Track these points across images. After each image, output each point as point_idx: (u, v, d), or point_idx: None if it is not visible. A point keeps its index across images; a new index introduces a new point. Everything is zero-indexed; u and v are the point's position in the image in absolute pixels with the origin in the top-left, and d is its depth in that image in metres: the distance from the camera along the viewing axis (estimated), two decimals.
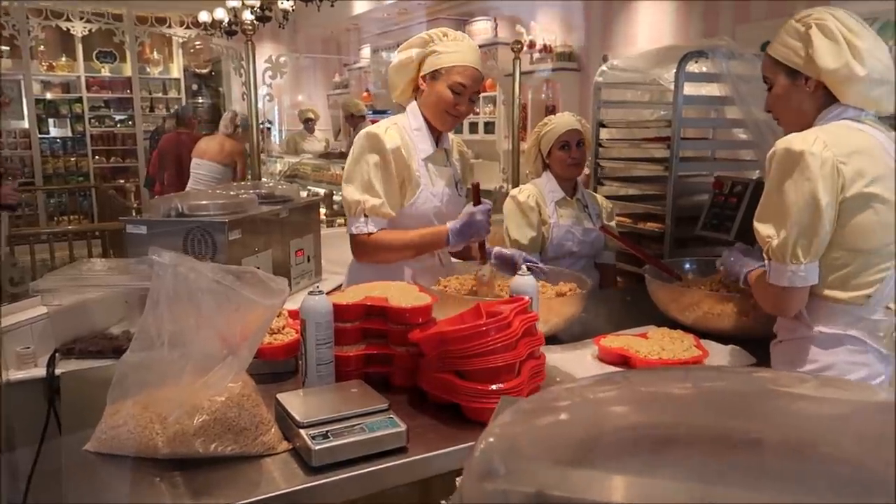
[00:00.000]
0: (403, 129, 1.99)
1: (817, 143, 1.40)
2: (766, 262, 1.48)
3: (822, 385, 0.81)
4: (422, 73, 1.97)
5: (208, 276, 1.17)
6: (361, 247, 1.98)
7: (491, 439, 0.52)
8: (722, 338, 1.82)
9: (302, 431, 1.18)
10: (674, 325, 1.89)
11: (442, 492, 2.34)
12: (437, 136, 2.05)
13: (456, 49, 1.94)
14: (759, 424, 0.58)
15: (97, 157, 9.31)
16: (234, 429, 1.16)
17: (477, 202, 1.92)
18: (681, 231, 2.80)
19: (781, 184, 1.42)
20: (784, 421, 0.60)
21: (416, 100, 2.04)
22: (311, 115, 7.55)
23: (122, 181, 8.38)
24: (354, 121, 6.97)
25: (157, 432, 1.14)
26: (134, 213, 6.59)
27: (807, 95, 1.51)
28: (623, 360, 1.65)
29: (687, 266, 2.12)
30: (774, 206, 1.45)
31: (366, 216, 1.93)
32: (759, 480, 0.47)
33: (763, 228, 1.48)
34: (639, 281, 2.74)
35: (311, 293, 1.42)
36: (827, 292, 1.48)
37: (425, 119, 2.01)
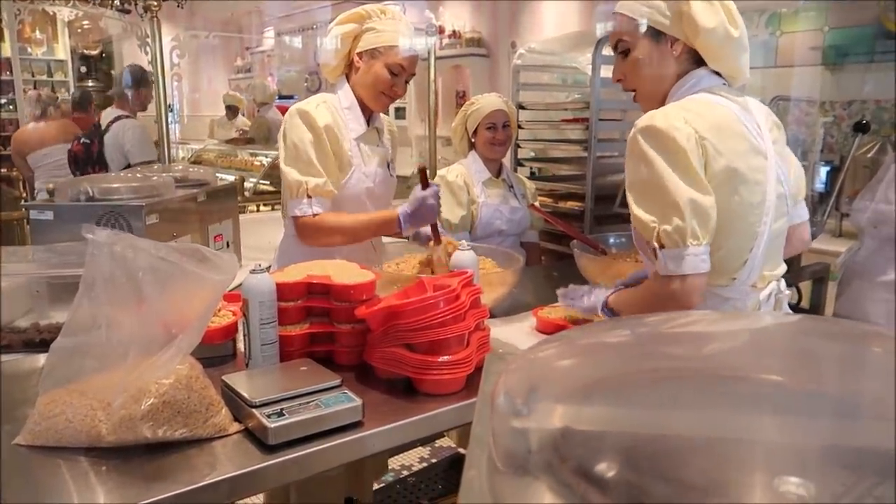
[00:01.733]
0: (334, 108, 1.93)
1: (678, 118, 1.33)
2: (656, 251, 1.33)
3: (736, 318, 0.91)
4: (358, 51, 1.91)
5: (151, 254, 1.11)
6: (307, 229, 1.88)
7: (507, 387, 0.53)
8: None
9: (255, 411, 1.14)
10: None
11: (372, 470, 2.35)
12: (368, 116, 2.00)
13: (395, 28, 1.90)
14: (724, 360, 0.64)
15: None
16: (183, 412, 1.11)
17: (425, 186, 1.87)
18: (599, 209, 2.91)
19: (654, 164, 1.32)
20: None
21: (346, 77, 1.98)
22: (237, 104, 7.26)
23: (4, 170, 7.75)
24: (260, 105, 6.77)
25: (100, 419, 1.08)
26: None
27: (671, 60, 1.43)
28: (562, 330, 1.70)
29: (612, 240, 2.20)
30: (654, 189, 1.33)
31: (309, 197, 1.85)
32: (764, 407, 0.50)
33: (644, 214, 1.34)
34: (560, 258, 2.83)
35: (253, 272, 1.37)
36: None
37: (357, 98, 1.96)
